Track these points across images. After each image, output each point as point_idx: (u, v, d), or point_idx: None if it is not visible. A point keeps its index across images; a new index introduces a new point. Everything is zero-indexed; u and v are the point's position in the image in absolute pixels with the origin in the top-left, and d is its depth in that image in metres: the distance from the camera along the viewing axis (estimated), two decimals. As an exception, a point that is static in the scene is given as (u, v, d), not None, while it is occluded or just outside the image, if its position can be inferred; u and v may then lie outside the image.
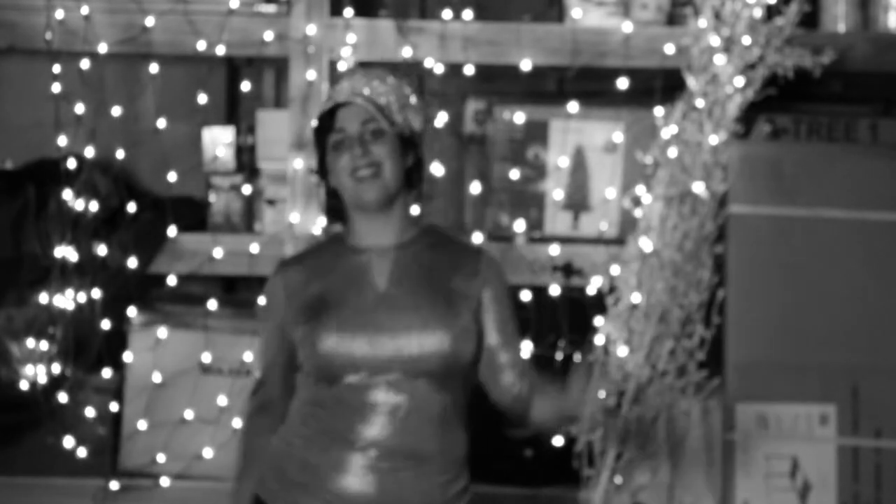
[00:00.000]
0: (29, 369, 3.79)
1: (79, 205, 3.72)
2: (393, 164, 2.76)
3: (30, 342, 3.78)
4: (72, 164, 3.72)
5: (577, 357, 3.75)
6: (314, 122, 2.84)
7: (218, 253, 3.82)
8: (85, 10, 3.75)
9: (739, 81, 3.68)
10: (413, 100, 2.82)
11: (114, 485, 3.78)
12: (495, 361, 2.82)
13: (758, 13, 3.70)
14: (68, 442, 3.77)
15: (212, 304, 3.89)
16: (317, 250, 2.94)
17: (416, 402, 2.72)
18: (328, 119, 2.80)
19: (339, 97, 2.78)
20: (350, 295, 2.77)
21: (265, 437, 2.83)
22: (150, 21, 3.78)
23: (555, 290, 3.77)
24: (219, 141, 4.01)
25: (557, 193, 3.88)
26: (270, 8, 3.84)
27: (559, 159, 3.89)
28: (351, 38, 3.78)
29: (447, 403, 2.75)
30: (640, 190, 3.76)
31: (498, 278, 2.83)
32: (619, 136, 3.88)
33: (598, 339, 3.70)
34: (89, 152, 3.73)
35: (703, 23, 3.72)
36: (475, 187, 3.89)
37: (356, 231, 2.82)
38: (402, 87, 2.82)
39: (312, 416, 2.77)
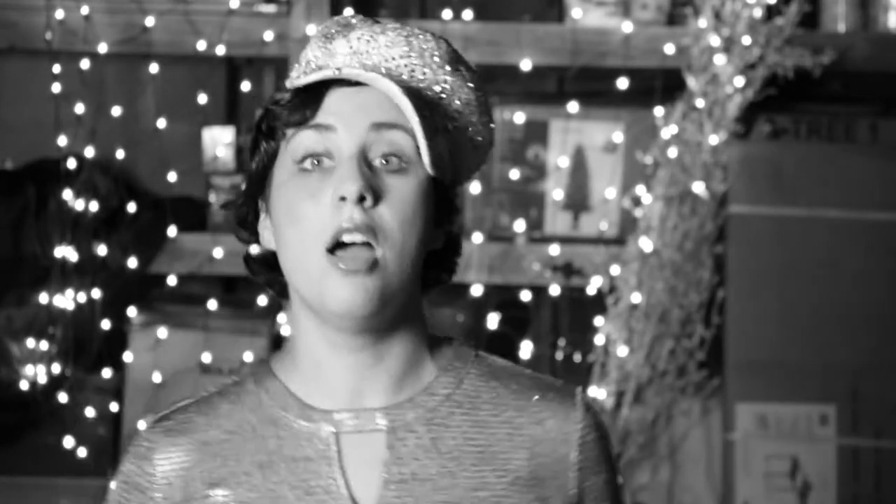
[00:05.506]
0: (29, 369, 3.78)
1: (79, 205, 3.72)
2: (409, 239, 1.40)
3: (30, 342, 3.77)
4: (72, 164, 3.72)
5: (577, 357, 3.77)
6: (268, 106, 1.57)
7: (218, 253, 3.82)
8: (85, 10, 3.75)
9: (739, 81, 3.68)
10: (479, 90, 1.50)
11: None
12: None
13: (758, 13, 3.70)
14: (68, 442, 3.77)
15: (212, 304, 3.89)
16: (217, 404, 1.60)
17: None
18: (297, 107, 1.48)
19: (334, 62, 1.49)
20: None
21: None
22: (150, 21, 3.77)
23: (555, 290, 3.77)
24: (219, 141, 4.00)
25: (557, 193, 3.88)
26: (270, 8, 3.84)
27: (559, 159, 3.89)
28: (351, 38, 3.78)
29: None
30: (640, 190, 3.76)
31: (604, 439, 1.55)
32: (619, 136, 3.88)
33: (598, 339, 3.70)
34: (89, 152, 3.73)
35: (703, 23, 3.72)
36: (475, 187, 3.89)
37: (308, 368, 1.49)
38: (459, 61, 1.48)
39: None
